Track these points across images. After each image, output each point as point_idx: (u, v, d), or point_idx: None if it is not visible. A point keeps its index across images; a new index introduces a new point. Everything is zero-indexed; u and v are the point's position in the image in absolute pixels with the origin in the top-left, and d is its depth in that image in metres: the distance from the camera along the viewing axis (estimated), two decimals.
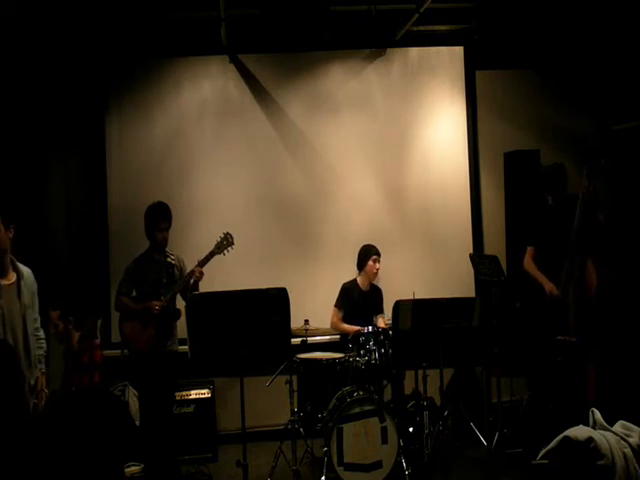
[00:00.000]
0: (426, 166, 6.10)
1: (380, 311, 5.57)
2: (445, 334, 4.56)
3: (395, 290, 5.53)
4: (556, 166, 5.23)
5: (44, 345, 4.28)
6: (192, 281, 4.66)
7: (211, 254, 4.68)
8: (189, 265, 4.81)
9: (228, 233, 4.74)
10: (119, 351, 5.00)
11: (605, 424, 3.16)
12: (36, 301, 4.17)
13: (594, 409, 3.26)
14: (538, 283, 5.07)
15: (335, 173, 6.01)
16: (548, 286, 4.96)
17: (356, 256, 5.60)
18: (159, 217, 4.71)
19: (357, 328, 5.22)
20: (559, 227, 4.90)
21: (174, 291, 4.67)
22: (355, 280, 5.58)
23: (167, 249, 4.79)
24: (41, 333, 4.35)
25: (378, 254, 5.51)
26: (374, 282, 5.65)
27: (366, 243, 5.60)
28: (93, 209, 5.79)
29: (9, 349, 3.48)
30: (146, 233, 4.75)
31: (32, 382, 3.77)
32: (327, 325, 5.50)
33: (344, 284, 5.56)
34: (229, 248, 4.72)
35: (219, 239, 4.73)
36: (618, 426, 3.15)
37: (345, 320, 5.50)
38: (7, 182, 5.36)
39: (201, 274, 4.65)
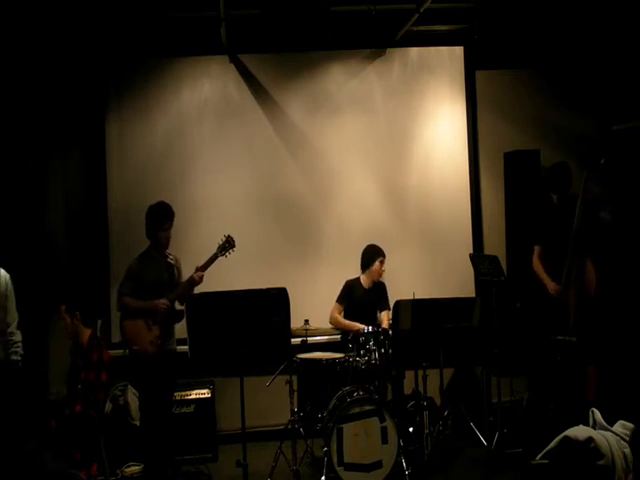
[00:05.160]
0: (426, 166, 6.10)
1: (385, 307, 5.55)
2: (445, 334, 4.57)
3: (395, 290, 5.54)
4: (561, 165, 5.25)
5: (19, 349, 4.29)
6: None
7: (214, 257, 4.70)
8: (186, 266, 4.81)
9: (229, 236, 4.76)
10: (119, 351, 5.00)
11: (605, 424, 3.17)
12: (11, 304, 4.15)
13: (594, 409, 3.27)
14: (542, 282, 5.09)
15: (335, 173, 6.01)
16: (551, 286, 4.98)
17: (359, 256, 5.58)
18: (164, 217, 4.71)
19: (357, 325, 5.23)
20: (564, 225, 4.90)
21: (177, 294, 4.67)
22: (359, 278, 5.58)
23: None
24: (16, 337, 4.36)
25: (384, 256, 5.51)
26: None
27: (371, 243, 5.59)
28: (93, 209, 5.79)
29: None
30: (148, 233, 4.75)
31: None
32: (327, 325, 5.51)
33: (348, 281, 5.57)
34: (230, 251, 4.74)
35: (221, 242, 4.74)
36: (618, 426, 3.16)
37: (347, 317, 5.50)
38: (7, 182, 5.36)
39: (201, 278, 4.66)
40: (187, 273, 4.83)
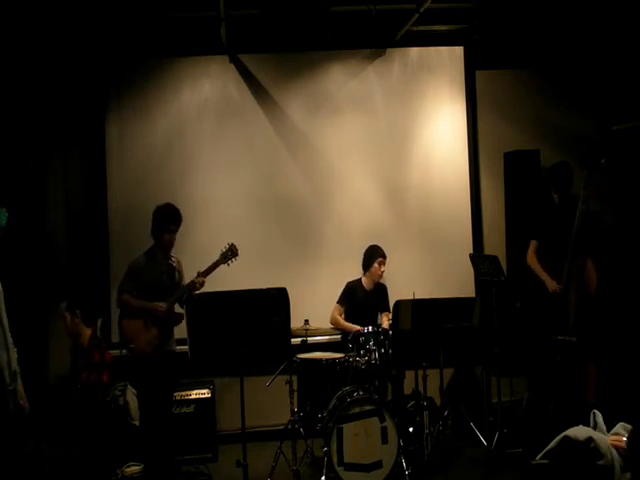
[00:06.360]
0: (426, 166, 6.10)
1: (386, 309, 5.56)
2: (445, 334, 4.57)
3: (395, 290, 5.55)
4: (562, 164, 5.27)
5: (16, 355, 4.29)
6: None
7: (216, 264, 4.69)
8: (186, 266, 4.82)
9: (233, 244, 4.75)
10: (119, 351, 5.01)
11: (605, 428, 3.17)
12: (3, 311, 4.11)
13: (596, 411, 3.27)
14: (540, 279, 5.09)
15: (335, 173, 6.01)
16: (551, 285, 4.98)
17: (359, 256, 5.59)
18: (171, 219, 4.70)
19: (357, 327, 5.22)
20: (564, 224, 4.91)
21: (176, 297, 4.67)
22: (360, 280, 5.59)
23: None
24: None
25: (384, 256, 5.52)
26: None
27: (372, 244, 5.60)
28: (93, 209, 5.79)
29: None
30: (153, 233, 4.74)
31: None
32: (327, 325, 5.51)
33: (349, 282, 5.58)
34: (233, 259, 4.73)
35: (224, 249, 4.74)
36: (619, 428, 3.16)
37: (348, 319, 5.51)
38: (7, 182, 5.36)
39: (202, 284, 4.66)
40: (186, 273, 4.85)
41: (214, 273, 4.77)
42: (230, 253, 4.72)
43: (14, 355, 3.79)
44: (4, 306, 3.80)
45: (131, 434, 5.01)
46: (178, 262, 4.85)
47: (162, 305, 4.61)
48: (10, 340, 3.77)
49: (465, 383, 5.99)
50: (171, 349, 4.74)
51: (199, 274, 4.67)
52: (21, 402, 3.76)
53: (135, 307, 4.64)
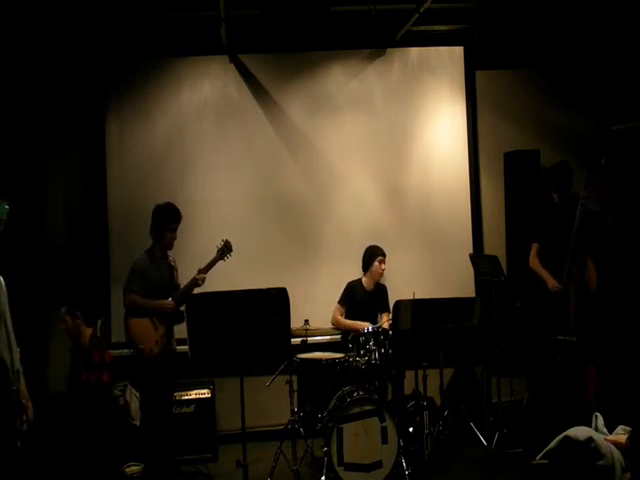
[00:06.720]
0: (426, 166, 6.10)
1: (386, 309, 5.56)
2: (445, 334, 4.57)
3: (395, 290, 5.54)
4: (562, 164, 5.27)
5: (19, 354, 4.28)
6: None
7: (215, 260, 4.75)
8: (187, 266, 4.82)
9: (227, 240, 4.82)
10: (120, 350, 5.01)
11: (605, 431, 3.18)
12: (7, 310, 4.11)
13: (598, 414, 3.27)
14: (542, 279, 5.09)
15: (335, 173, 6.01)
16: (551, 282, 4.98)
17: (359, 256, 5.60)
18: (172, 218, 4.73)
19: (359, 323, 5.23)
20: (564, 224, 4.91)
21: (180, 294, 4.69)
22: (360, 280, 5.60)
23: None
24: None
25: (383, 255, 5.53)
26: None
27: (371, 244, 5.61)
28: (93, 209, 5.79)
29: None
30: (153, 232, 4.75)
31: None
32: (327, 325, 5.51)
33: (349, 282, 5.58)
34: (229, 255, 4.80)
35: (220, 246, 4.79)
36: (619, 430, 3.17)
37: (348, 319, 5.51)
38: (7, 182, 5.36)
39: (203, 280, 4.71)
40: (186, 272, 4.85)
41: (214, 273, 4.79)
42: (226, 249, 4.79)
43: (17, 355, 3.78)
44: (8, 305, 3.81)
45: (131, 434, 5.01)
46: (174, 261, 4.87)
47: (170, 302, 4.63)
48: (13, 339, 3.77)
49: (465, 383, 5.99)
50: (173, 348, 4.75)
51: (200, 271, 4.72)
52: (24, 401, 3.77)
53: (143, 307, 4.64)
